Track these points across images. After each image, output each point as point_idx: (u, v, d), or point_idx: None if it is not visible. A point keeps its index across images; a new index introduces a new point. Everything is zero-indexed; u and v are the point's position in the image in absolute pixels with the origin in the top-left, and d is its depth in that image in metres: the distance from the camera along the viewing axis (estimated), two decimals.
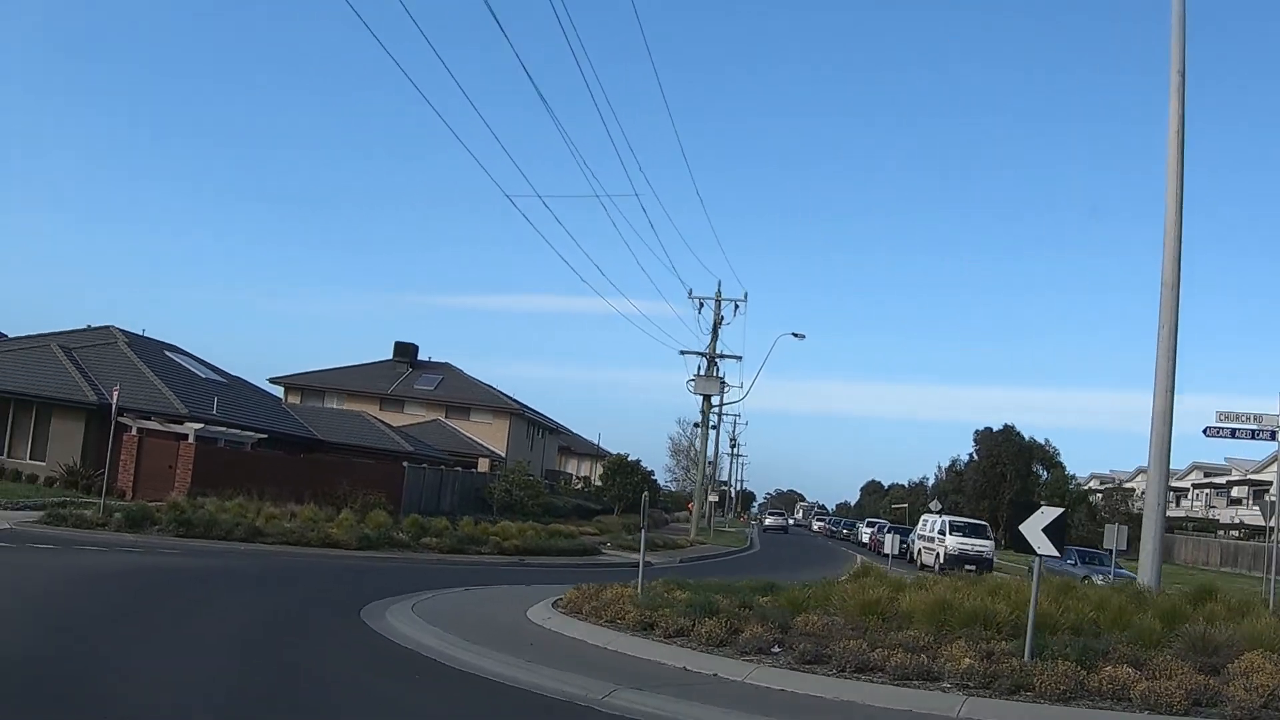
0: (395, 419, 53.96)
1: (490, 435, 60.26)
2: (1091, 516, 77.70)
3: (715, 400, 53.47)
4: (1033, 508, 12.60)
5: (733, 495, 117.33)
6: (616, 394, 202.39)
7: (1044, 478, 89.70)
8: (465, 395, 62.52)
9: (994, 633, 12.39)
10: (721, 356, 51.81)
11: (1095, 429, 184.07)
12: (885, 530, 58.14)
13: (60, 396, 33.23)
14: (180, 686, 9.35)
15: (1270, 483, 51.83)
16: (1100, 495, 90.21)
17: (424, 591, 17.24)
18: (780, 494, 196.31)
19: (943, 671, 10.84)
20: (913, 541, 47.37)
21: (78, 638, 11.09)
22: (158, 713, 8.47)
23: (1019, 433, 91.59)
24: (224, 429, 34.65)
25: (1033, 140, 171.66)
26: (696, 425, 56.16)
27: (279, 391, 57.86)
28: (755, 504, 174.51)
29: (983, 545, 42.25)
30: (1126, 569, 29.37)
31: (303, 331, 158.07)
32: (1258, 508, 61.77)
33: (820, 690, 10.63)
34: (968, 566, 38.86)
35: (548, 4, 60.16)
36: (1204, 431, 24.22)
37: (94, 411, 32.30)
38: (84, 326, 40.78)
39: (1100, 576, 30.78)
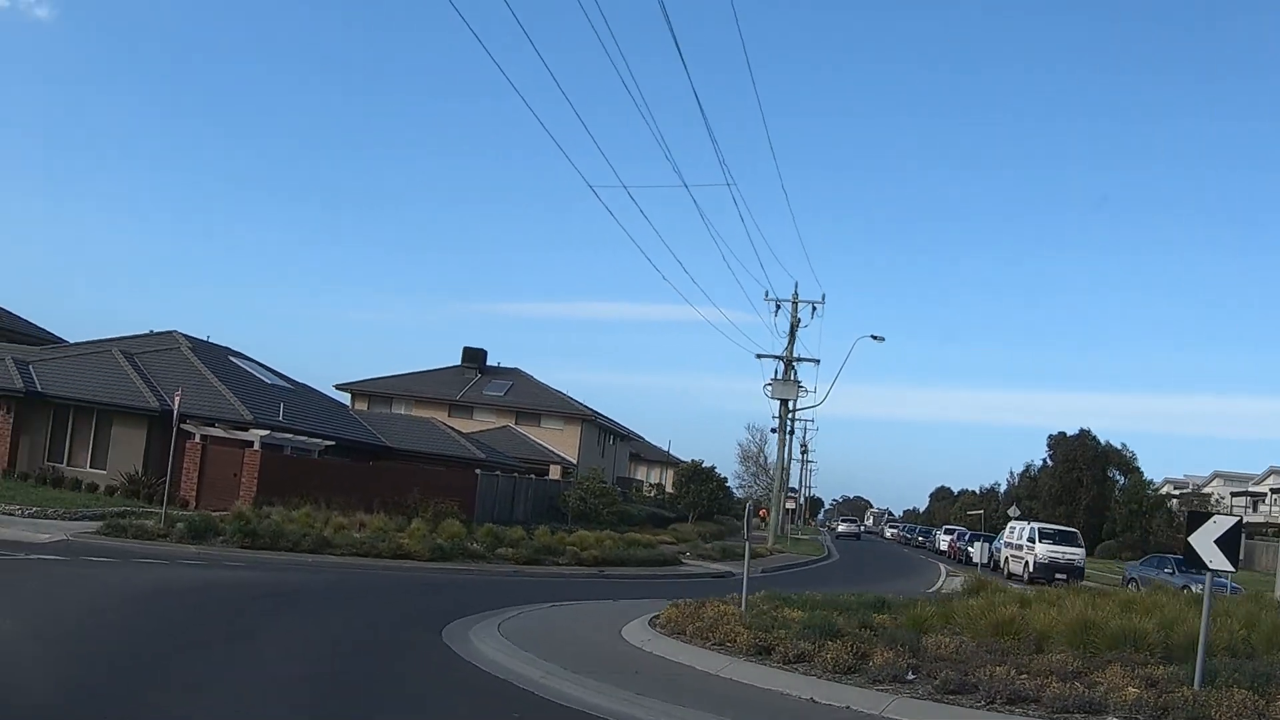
0: (464, 425, 52.78)
1: (561, 442, 58.99)
2: (1169, 523, 74.73)
3: (791, 405, 51.40)
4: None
5: (801, 502, 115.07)
6: (686, 400, 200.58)
7: (1121, 483, 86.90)
8: (535, 401, 61.37)
9: (1146, 655, 11.77)
10: (799, 360, 49.67)
11: (1165, 433, 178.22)
12: (967, 537, 56.54)
13: (121, 403, 32.20)
14: None
15: None
16: (1176, 500, 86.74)
17: (507, 609, 16.01)
18: (846, 500, 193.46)
19: (1106, 703, 9.74)
20: (999, 549, 45.30)
21: (119, 670, 9.61)
22: None
23: (1095, 437, 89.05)
24: (290, 436, 33.43)
25: (1109, 141, 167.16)
26: (773, 430, 54.01)
27: (345, 398, 56.91)
28: (822, 510, 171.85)
29: (1074, 553, 40.55)
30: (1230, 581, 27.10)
31: (368, 339, 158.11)
32: None
33: None
34: (1058, 575, 38.38)
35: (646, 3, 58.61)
36: None
37: (156, 418, 31.27)
38: (146, 332, 39.90)
39: (1198, 586, 28.58)
